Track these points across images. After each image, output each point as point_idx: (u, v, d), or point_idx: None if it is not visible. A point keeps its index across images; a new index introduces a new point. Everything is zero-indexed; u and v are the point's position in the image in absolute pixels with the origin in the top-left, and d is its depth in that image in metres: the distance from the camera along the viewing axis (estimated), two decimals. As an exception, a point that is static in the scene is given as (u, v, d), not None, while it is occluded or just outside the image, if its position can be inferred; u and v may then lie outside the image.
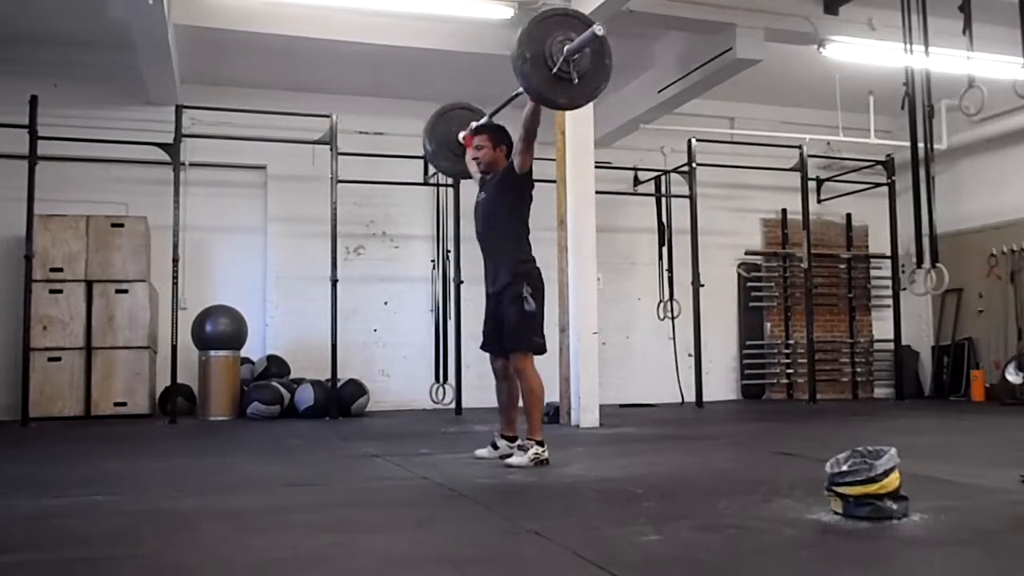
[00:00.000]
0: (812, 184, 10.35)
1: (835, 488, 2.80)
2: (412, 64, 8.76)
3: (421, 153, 8.96)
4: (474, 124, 4.87)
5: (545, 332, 4.54)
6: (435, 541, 2.70)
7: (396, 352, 9.58)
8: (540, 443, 4.34)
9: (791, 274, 10.97)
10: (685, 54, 8.57)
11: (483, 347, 4.72)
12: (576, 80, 4.07)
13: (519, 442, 4.41)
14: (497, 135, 4.69)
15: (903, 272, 10.24)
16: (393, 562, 2.38)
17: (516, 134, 4.50)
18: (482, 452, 4.67)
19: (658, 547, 2.48)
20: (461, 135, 4.95)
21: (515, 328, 4.44)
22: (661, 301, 10.00)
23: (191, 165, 8.54)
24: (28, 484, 3.96)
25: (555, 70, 4.03)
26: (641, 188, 10.25)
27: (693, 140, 9.40)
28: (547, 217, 7.43)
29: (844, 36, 8.02)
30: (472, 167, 4.81)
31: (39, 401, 7.58)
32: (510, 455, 4.49)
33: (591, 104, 7.15)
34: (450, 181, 8.67)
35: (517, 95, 4.51)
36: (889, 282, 10.81)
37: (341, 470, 4.48)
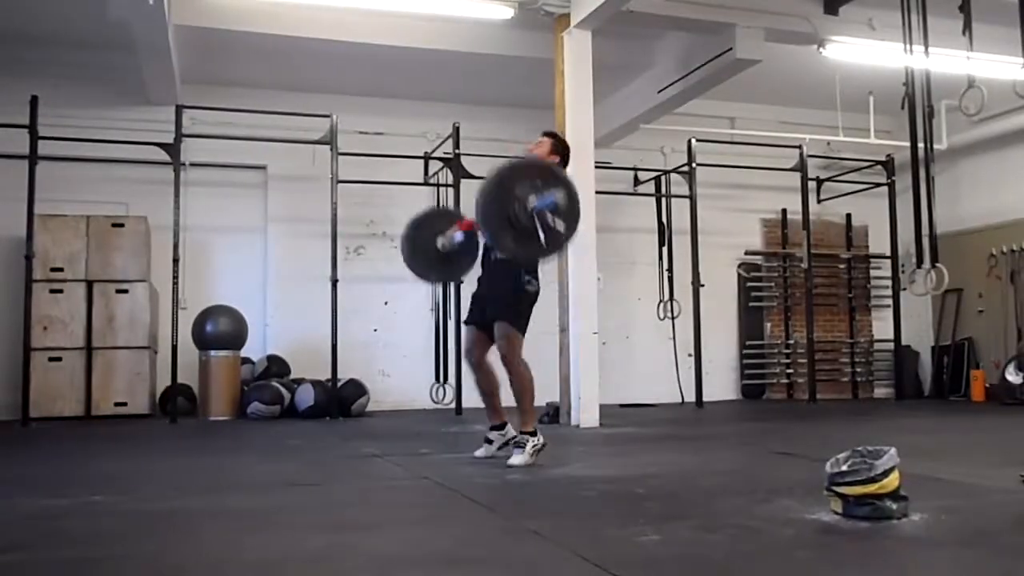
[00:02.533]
0: (812, 184, 10.35)
1: (835, 488, 2.80)
2: (412, 64, 8.76)
3: (421, 153, 9.14)
4: (450, 233, 4.70)
5: (528, 331, 4.51)
6: (435, 541, 2.70)
7: (396, 352, 9.59)
8: (533, 433, 4.33)
9: (791, 274, 10.97)
10: (685, 54, 8.57)
11: (466, 320, 4.69)
12: (561, 226, 3.98)
13: (516, 439, 4.38)
14: (558, 145, 4.69)
15: (903, 272, 10.23)
16: (393, 562, 2.38)
17: None
18: (480, 452, 4.67)
19: (658, 547, 2.48)
20: (440, 242, 4.74)
21: (504, 301, 4.40)
22: (661, 301, 10.01)
23: (191, 165, 8.53)
24: (28, 484, 3.97)
25: (541, 236, 3.94)
26: (641, 188, 10.25)
27: (693, 140, 9.40)
28: (547, 217, 7.44)
29: (844, 36, 8.03)
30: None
31: (39, 401, 7.57)
32: (505, 444, 4.54)
33: (591, 104, 7.23)
34: (451, 181, 8.67)
35: None
36: (889, 282, 10.81)
37: (341, 470, 4.47)
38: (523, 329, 4.45)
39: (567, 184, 4.02)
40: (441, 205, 5.17)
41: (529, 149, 4.73)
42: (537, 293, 4.47)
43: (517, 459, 4.25)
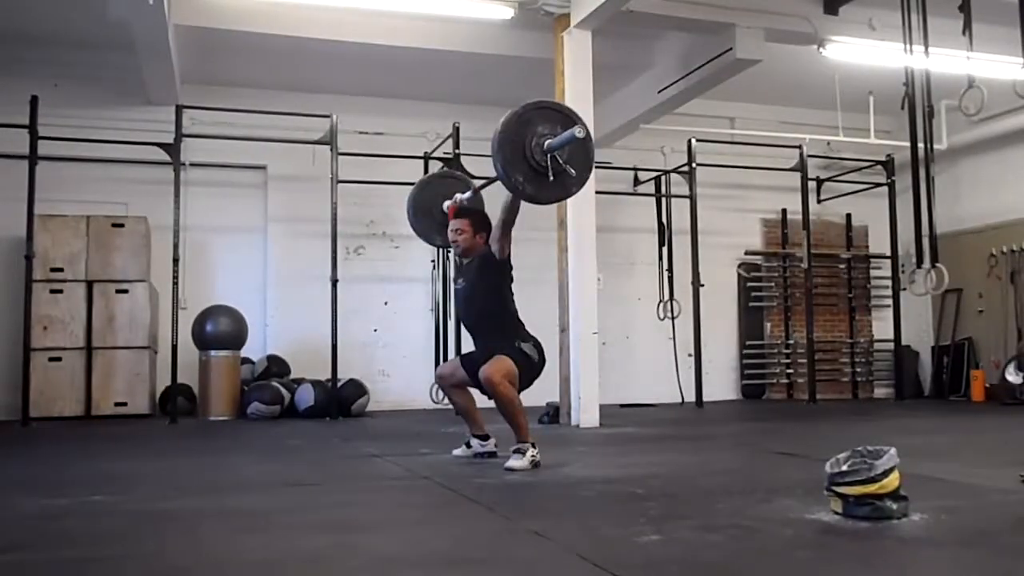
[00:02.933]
0: (812, 184, 10.35)
1: (835, 488, 2.80)
2: (412, 64, 8.76)
3: (421, 153, 9.14)
4: (458, 196, 4.78)
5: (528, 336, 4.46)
6: (435, 541, 2.70)
7: (396, 352, 9.59)
8: (532, 444, 4.30)
9: (791, 274, 10.97)
10: (685, 54, 8.57)
11: (459, 355, 4.71)
12: (572, 171, 4.01)
13: (515, 446, 4.31)
14: (477, 222, 4.60)
15: (903, 272, 10.24)
16: (393, 562, 2.38)
17: (496, 216, 4.40)
18: (458, 451, 4.70)
19: (658, 547, 2.48)
20: (446, 204, 4.86)
21: (502, 358, 4.28)
22: (661, 301, 10.01)
23: (191, 165, 8.54)
24: (28, 484, 3.97)
25: (550, 175, 3.96)
26: (641, 188, 10.25)
27: (693, 140, 9.40)
28: (547, 217, 7.43)
29: (844, 36, 8.03)
30: (454, 246, 4.70)
31: (39, 401, 7.57)
32: (483, 453, 4.58)
33: (591, 104, 7.22)
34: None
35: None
36: (889, 282, 10.81)
37: (341, 470, 4.47)
38: (522, 380, 4.34)
39: (585, 128, 4.01)
40: (451, 170, 5.22)
41: (451, 238, 4.61)
42: (537, 362, 4.39)
43: (517, 463, 4.21)
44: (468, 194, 4.83)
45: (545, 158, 3.95)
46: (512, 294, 4.53)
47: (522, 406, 4.33)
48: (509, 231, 4.40)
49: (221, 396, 8.01)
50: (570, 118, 4.08)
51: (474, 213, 4.68)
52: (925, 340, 11.09)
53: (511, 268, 4.54)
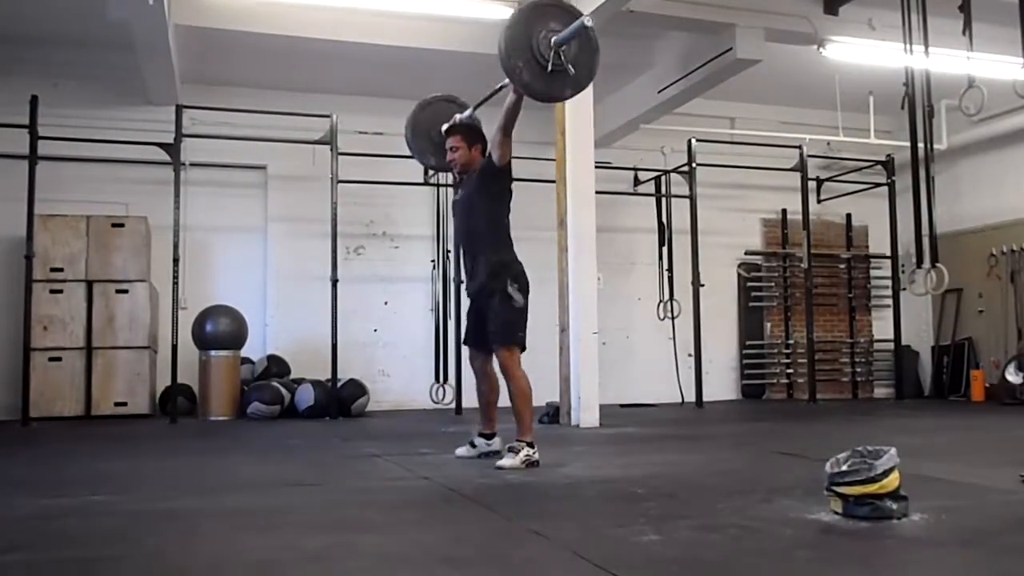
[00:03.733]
0: (812, 184, 10.35)
1: (835, 488, 2.80)
2: (412, 64, 8.76)
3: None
4: (457, 116, 4.86)
5: (528, 330, 4.49)
6: (435, 541, 2.69)
7: (396, 352, 9.59)
8: (531, 444, 4.25)
9: (791, 274, 10.97)
10: (685, 54, 8.57)
11: (465, 342, 4.71)
12: (572, 70, 4.05)
13: (510, 444, 4.32)
14: (471, 135, 4.64)
15: (903, 272, 10.24)
16: (393, 562, 2.38)
17: (495, 125, 4.43)
18: (461, 451, 4.68)
19: (658, 547, 2.48)
20: (444, 127, 4.90)
21: (500, 324, 4.36)
22: (661, 301, 10.01)
23: (191, 165, 8.54)
24: (28, 484, 3.96)
25: (549, 67, 4.00)
26: (641, 188, 10.25)
27: (693, 140, 9.40)
28: (547, 217, 7.44)
29: (844, 36, 8.03)
30: (450, 165, 4.75)
31: (39, 401, 7.58)
32: (488, 452, 4.55)
33: (591, 104, 7.22)
34: (450, 181, 8.66)
35: (502, 87, 4.46)
36: (889, 282, 10.82)
37: (341, 470, 4.47)
38: (522, 343, 4.41)
39: (592, 33, 4.07)
40: (452, 95, 5.29)
41: (448, 157, 4.66)
42: (526, 304, 4.43)
43: (508, 461, 4.18)
44: (467, 113, 4.85)
45: (549, 52, 3.98)
46: (509, 209, 4.55)
47: (531, 400, 4.37)
48: (509, 134, 4.41)
49: (221, 396, 8.00)
50: (564, 9, 4.13)
51: (466, 127, 4.71)
52: (925, 340, 11.10)
53: (511, 178, 4.56)
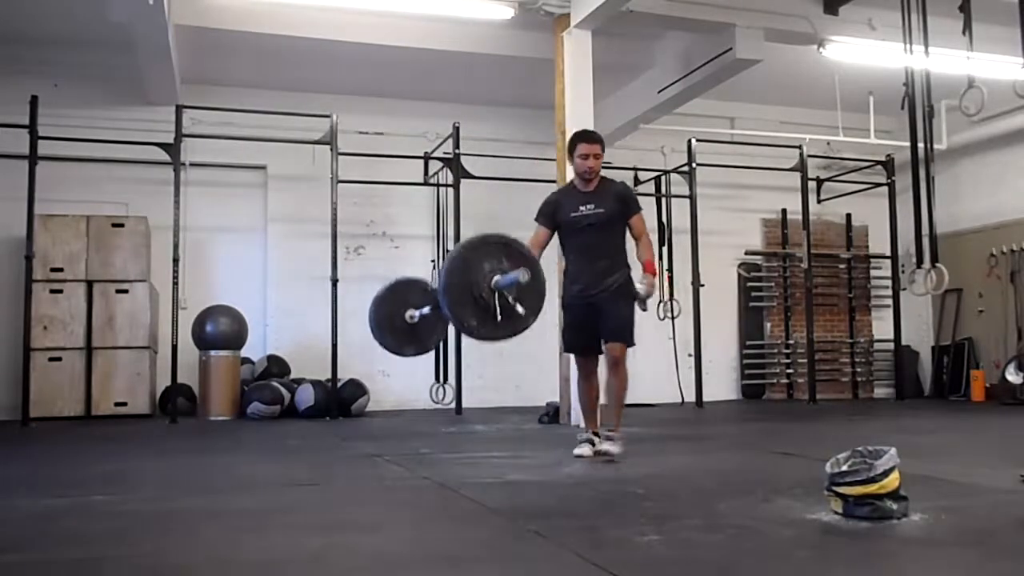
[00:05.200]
0: (812, 184, 10.35)
1: (835, 488, 2.80)
2: (412, 64, 8.76)
3: (421, 153, 9.14)
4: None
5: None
6: (435, 541, 2.70)
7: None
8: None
9: (791, 274, 10.97)
10: (685, 54, 8.57)
11: (577, 350, 4.80)
12: (520, 308, 3.93)
13: (608, 433, 4.54)
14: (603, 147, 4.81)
15: (903, 272, 10.24)
16: (393, 562, 2.38)
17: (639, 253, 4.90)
18: (581, 450, 4.64)
19: (658, 547, 2.48)
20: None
21: (625, 322, 4.69)
22: (661, 301, 9.99)
23: (191, 165, 8.54)
24: (28, 484, 3.97)
25: (497, 312, 3.88)
26: (641, 188, 10.23)
27: (693, 140, 9.40)
28: (547, 217, 7.43)
29: (844, 36, 8.02)
30: (581, 173, 4.74)
31: (39, 401, 7.57)
32: (602, 452, 4.60)
33: (591, 104, 7.22)
34: (450, 181, 8.67)
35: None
36: (889, 282, 10.81)
37: (341, 470, 4.48)
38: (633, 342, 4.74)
39: (533, 264, 3.98)
40: (406, 278, 5.03)
41: (588, 166, 4.68)
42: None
43: (615, 448, 4.46)
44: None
45: (493, 296, 3.86)
46: None
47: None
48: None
49: (221, 396, 8.00)
50: (514, 250, 4.00)
51: (601, 140, 4.80)
52: (925, 340, 11.09)
53: None
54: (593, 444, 4.67)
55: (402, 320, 4.60)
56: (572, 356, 4.99)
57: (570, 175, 7.06)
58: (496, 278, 3.89)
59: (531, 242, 4.65)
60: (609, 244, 4.71)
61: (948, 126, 9.78)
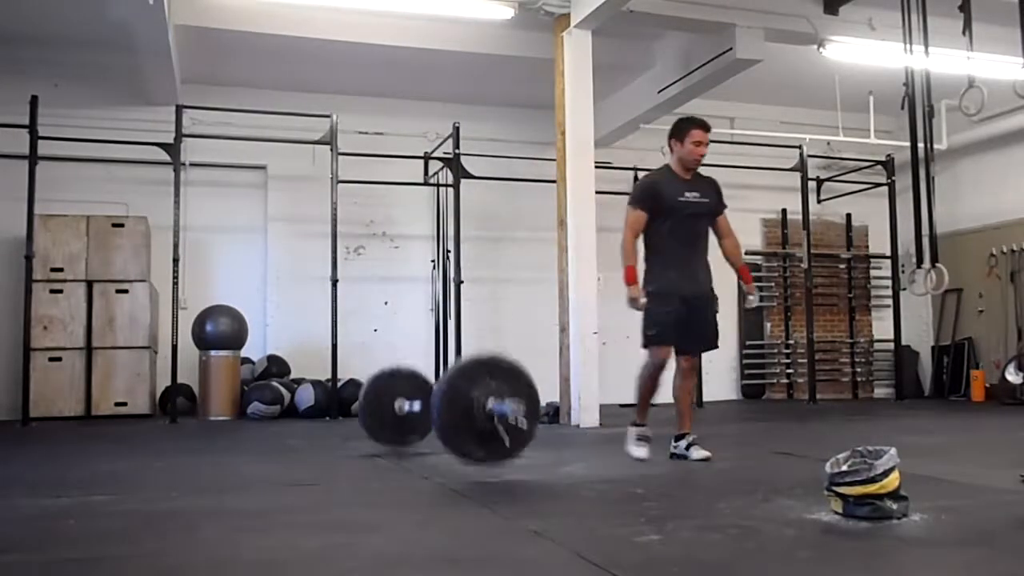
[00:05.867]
0: (812, 184, 10.35)
1: (835, 488, 2.80)
2: (412, 64, 8.76)
3: (421, 153, 9.14)
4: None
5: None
6: (435, 541, 2.70)
7: (396, 352, 9.53)
8: None
9: (791, 274, 10.97)
10: (685, 54, 8.57)
11: (670, 343, 4.69)
12: (514, 431, 3.70)
13: (692, 439, 4.56)
14: None
15: (903, 272, 10.24)
16: (393, 562, 2.38)
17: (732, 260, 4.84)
18: (644, 453, 4.55)
19: (658, 547, 2.48)
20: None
21: (717, 331, 4.69)
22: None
23: (191, 165, 8.54)
24: (28, 484, 3.96)
25: (500, 434, 3.67)
26: (641, 188, 10.23)
27: (693, 140, 9.38)
28: (547, 217, 7.44)
29: (844, 36, 8.02)
30: (690, 159, 4.58)
31: (39, 401, 7.57)
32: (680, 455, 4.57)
33: (591, 104, 7.23)
34: (450, 181, 8.66)
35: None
36: (889, 282, 10.81)
37: (341, 470, 4.48)
38: None
39: (528, 385, 3.79)
40: (399, 368, 5.12)
41: (700, 153, 4.55)
42: None
43: (706, 453, 4.45)
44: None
45: (491, 421, 3.65)
46: None
47: None
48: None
49: (221, 396, 8.00)
50: (495, 367, 3.81)
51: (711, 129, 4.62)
52: (925, 340, 11.09)
53: None
54: (649, 441, 4.57)
55: (391, 411, 4.81)
56: (651, 348, 4.81)
57: (570, 175, 7.14)
58: (491, 406, 3.66)
59: (630, 226, 4.61)
60: (705, 235, 4.65)
61: (948, 126, 9.78)
